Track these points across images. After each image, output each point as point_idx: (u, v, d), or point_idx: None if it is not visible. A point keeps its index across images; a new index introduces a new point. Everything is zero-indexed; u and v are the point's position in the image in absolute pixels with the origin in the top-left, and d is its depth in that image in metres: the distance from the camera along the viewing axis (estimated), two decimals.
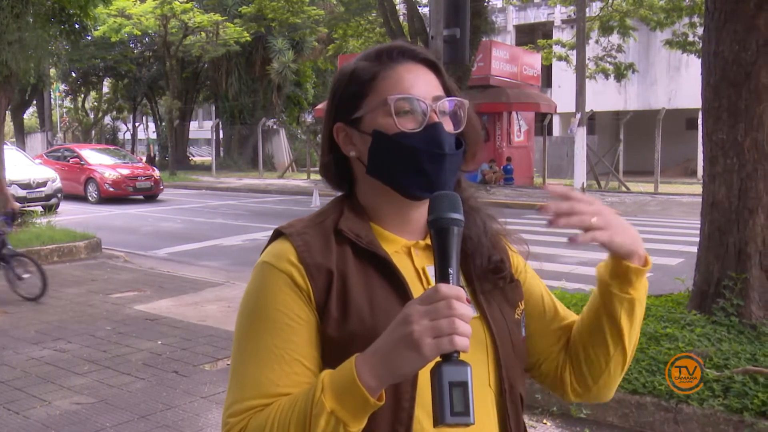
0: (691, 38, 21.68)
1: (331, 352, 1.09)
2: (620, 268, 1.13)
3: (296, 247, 1.13)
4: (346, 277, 1.11)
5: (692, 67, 25.59)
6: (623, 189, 22.53)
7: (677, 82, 30.65)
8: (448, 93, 1.19)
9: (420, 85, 1.15)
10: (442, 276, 0.98)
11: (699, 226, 5.27)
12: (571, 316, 1.31)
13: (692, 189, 20.56)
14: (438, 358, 0.92)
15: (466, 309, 0.92)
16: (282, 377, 1.07)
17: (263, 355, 1.08)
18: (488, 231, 1.24)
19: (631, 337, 1.20)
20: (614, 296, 1.16)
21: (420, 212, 1.19)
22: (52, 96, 39.17)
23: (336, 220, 1.18)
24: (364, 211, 1.20)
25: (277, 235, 1.19)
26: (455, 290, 0.93)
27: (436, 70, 1.20)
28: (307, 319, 1.10)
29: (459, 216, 1.01)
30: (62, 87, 42.29)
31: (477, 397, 1.11)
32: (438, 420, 0.90)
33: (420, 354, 0.91)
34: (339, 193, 1.26)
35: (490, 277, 1.21)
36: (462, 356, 0.93)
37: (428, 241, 1.19)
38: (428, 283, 1.16)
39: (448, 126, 1.16)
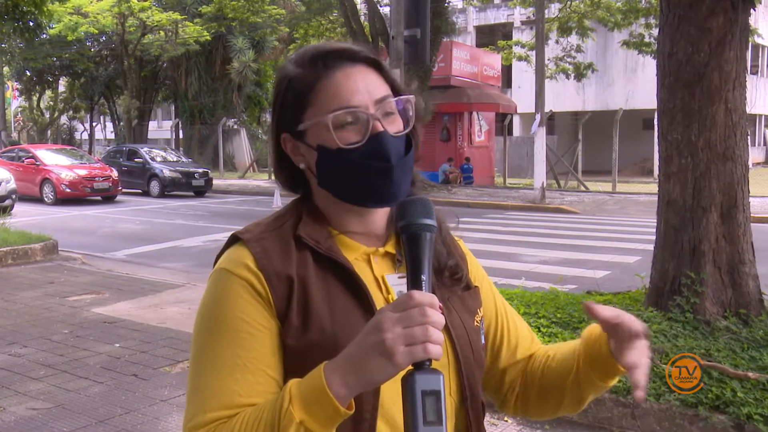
0: (647, 39, 22.09)
1: (289, 361, 1.06)
2: (612, 368, 1.12)
3: (254, 253, 1.09)
4: (306, 285, 1.07)
5: (648, 68, 26.03)
6: (582, 188, 22.88)
7: (634, 84, 31.19)
8: (394, 89, 1.14)
9: (361, 91, 1.09)
10: (414, 283, 0.95)
11: (655, 224, 5.38)
12: (524, 346, 1.31)
13: (649, 188, 20.88)
14: (410, 367, 0.90)
15: (438, 317, 0.90)
16: (245, 387, 1.03)
17: (225, 364, 1.04)
18: (444, 235, 1.21)
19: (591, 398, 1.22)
20: (592, 383, 1.16)
21: (378, 218, 1.17)
22: (6, 96, 38.31)
23: (295, 226, 1.13)
24: (323, 215, 1.16)
25: (234, 240, 1.14)
26: (428, 297, 0.91)
27: (377, 68, 1.14)
28: (269, 326, 1.06)
29: (432, 222, 0.99)
30: (14, 85, 41.30)
31: None
32: (410, 430, 0.88)
33: (392, 362, 0.89)
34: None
35: (447, 284, 1.18)
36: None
37: (388, 248, 1.17)
38: (387, 291, 1.13)
39: (396, 126, 1.11)
